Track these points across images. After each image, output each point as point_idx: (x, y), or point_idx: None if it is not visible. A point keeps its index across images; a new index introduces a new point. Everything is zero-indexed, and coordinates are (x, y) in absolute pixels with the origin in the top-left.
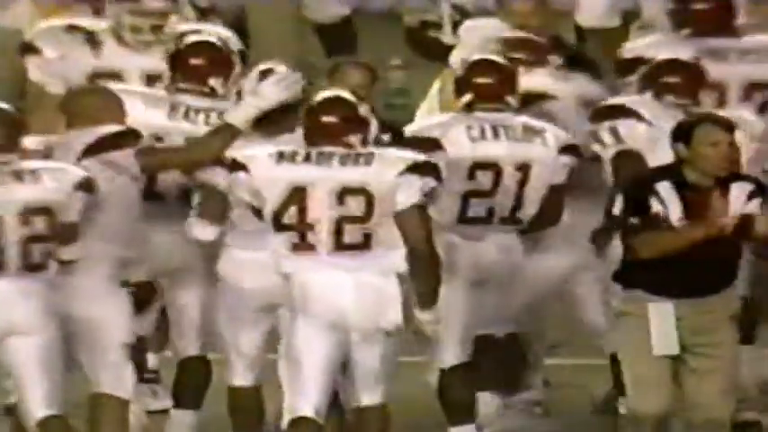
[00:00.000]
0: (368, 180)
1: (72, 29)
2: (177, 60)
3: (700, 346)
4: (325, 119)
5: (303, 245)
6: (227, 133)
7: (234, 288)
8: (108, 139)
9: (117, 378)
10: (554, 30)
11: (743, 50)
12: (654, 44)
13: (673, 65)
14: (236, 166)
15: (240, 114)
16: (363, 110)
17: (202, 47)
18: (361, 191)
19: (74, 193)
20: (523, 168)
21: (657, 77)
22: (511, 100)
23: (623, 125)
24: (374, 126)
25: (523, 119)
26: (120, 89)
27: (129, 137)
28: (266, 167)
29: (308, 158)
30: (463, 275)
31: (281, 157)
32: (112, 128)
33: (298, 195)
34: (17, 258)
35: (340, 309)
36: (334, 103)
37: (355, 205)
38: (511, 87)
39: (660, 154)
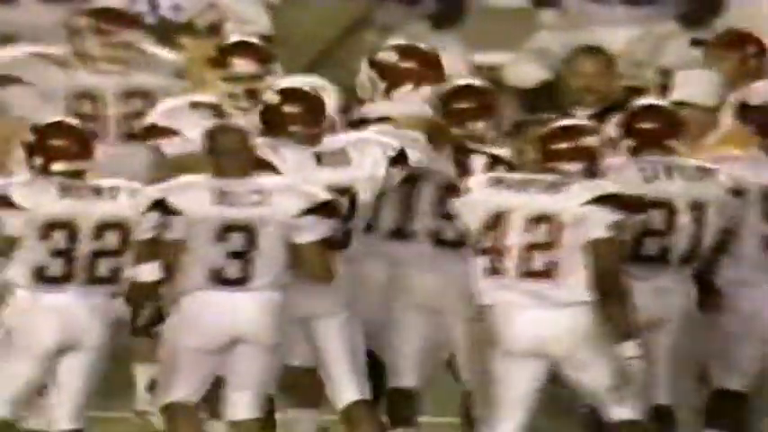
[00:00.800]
0: (558, 208)
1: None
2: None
3: None
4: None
5: (494, 269)
6: None
7: None
8: None
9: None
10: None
11: None
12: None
13: None
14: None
15: None
16: None
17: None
18: (550, 218)
19: (148, 213)
20: (697, 207)
21: None
22: (675, 143)
23: None
24: None
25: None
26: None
27: None
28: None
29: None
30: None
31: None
32: None
33: (498, 220)
34: (85, 271)
35: (540, 340)
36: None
37: (543, 232)
38: (675, 132)
39: None
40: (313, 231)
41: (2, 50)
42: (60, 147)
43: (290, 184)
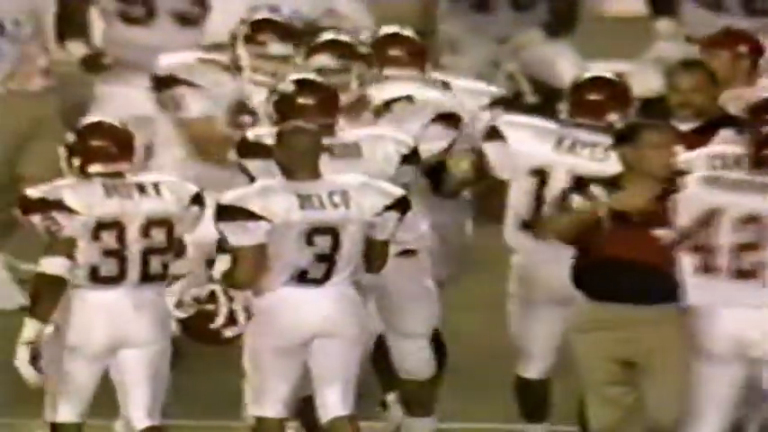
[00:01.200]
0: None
1: None
2: None
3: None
4: None
5: (705, 267)
6: None
7: None
8: None
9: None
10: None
11: None
12: None
13: None
14: None
15: None
16: None
17: None
18: (760, 219)
19: (190, 207)
20: None
21: None
22: None
23: None
24: None
25: None
26: None
27: None
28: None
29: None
30: None
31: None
32: None
33: (710, 219)
34: (137, 269)
35: (743, 341)
36: None
37: (752, 233)
38: None
39: None
40: (391, 228)
41: (171, 56)
42: (99, 148)
43: (365, 181)
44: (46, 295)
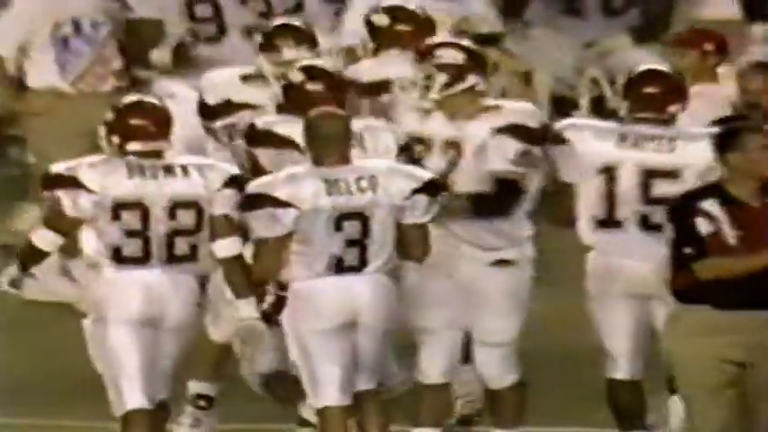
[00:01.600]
0: None
1: None
2: None
3: None
4: None
5: None
6: None
7: None
8: None
9: None
10: None
11: None
12: None
13: None
14: None
15: None
16: None
17: None
18: None
19: (223, 190)
20: None
21: None
22: None
23: None
24: None
25: None
26: None
27: None
28: None
29: None
30: None
31: None
32: None
33: None
34: (162, 250)
35: None
36: None
37: None
38: None
39: None
40: (421, 212)
41: (215, 72)
42: (137, 126)
43: (393, 166)
44: (28, 257)
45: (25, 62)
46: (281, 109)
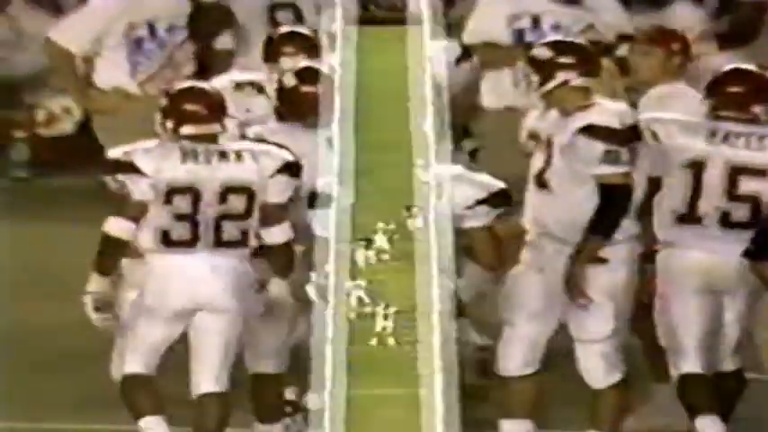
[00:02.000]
0: None
1: None
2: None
3: None
4: None
5: None
6: None
7: None
8: None
9: None
10: None
11: None
12: None
13: None
14: None
15: None
16: None
17: None
18: None
19: (276, 176)
20: None
21: None
22: None
23: None
24: None
25: None
26: None
27: None
28: None
29: None
30: None
31: None
32: None
33: None
34: (211, 234)
35: None
36: None
37: None
38: None
39: None
40: (481, 218)
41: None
42: (191, 110)
43: (459, 173)
44: (107, 253)
45: (96, 60)
46: (279, 115)
